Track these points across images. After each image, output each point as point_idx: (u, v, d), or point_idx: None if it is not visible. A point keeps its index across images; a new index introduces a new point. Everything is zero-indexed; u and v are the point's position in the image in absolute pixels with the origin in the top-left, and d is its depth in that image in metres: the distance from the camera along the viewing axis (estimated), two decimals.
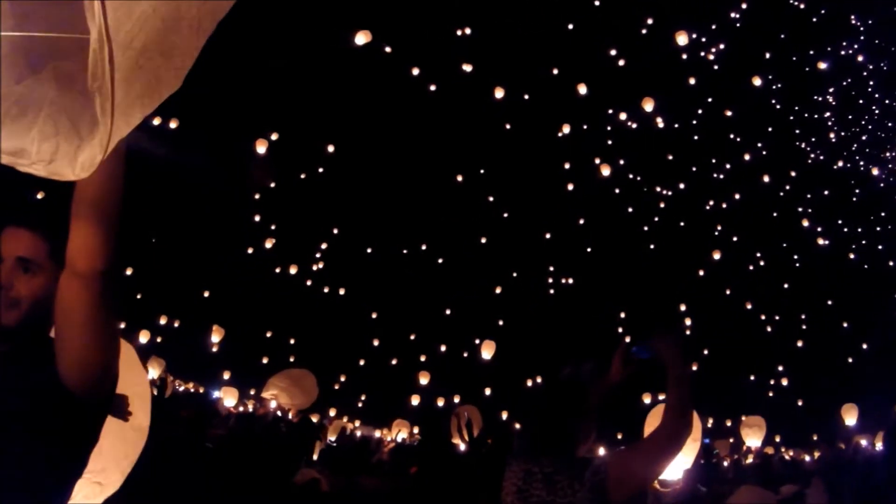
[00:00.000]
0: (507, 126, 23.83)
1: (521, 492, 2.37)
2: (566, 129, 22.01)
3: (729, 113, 26.29)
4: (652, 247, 27.09)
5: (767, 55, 25.61)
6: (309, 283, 27.70)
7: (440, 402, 25.03)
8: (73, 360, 1.48)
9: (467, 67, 20.61)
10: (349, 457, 14.27)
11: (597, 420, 2.58)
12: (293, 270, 26.57)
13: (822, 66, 26.83)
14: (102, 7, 0.91)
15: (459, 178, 25.35)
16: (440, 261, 27.92)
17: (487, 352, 20.13)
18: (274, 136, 20.60)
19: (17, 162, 1.06)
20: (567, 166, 24.70)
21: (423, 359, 27.00)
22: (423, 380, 23.59)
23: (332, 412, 24.20)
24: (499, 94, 19.05)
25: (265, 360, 26.78)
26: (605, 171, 21.00)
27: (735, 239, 27.42)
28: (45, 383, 1.47)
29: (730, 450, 18.34)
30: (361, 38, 16.39)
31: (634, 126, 23.06)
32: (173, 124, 18.85)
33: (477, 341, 23.24)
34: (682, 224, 27.88)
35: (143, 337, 22.19)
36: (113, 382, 1.59)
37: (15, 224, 1.61)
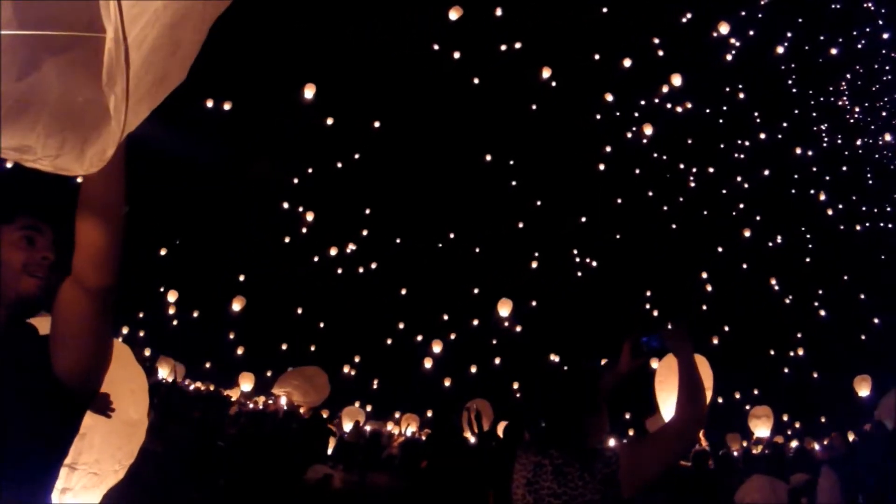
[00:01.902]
0: (534, 106, 24.09)
1: (531, 484, 2.35)
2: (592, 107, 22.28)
3: (742, 96, 26.69)
4: (674, 227, 27.43)
5: (786, 43, 25.92)
6: (337, 268, 27.94)
7: (453, 382, 25.31)
8: (73, 361, 1.56)
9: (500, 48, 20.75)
10: (361, 452, 14.33)
11: (607, 411, 2.56)
12: (316, 258, 26.83)
13: (837, 52, 27.31)
14: (119, 7, 0.91)
15: (488, 158, 25.52)
16: (477, 250, 28.19)
17: (505, 309, 20.05)
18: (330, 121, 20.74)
19: (23, 158, 1.06)
20: (592, 147, 25.07)
21: (452, 337, 27.40)
22: (437, 348, 23.77)
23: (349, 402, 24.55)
24: (530, 77, 19.15)
25: (284, 347, 27.12)
26: (648, 130, 21.01)
27: (757, 218, 27.88)
28: (42, 372, 1.55)
29: (740, 438, 18.40)
30: (454, 14, 16.43)
31: (659, 110, 23.22)
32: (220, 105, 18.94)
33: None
34: (704, 203, 28.24)
35: (173, 295, 22.34)
36: (101, 379, 1.69)
37: (31, 215, 1.71)
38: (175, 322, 25.98)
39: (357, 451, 14.30)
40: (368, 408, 28.71)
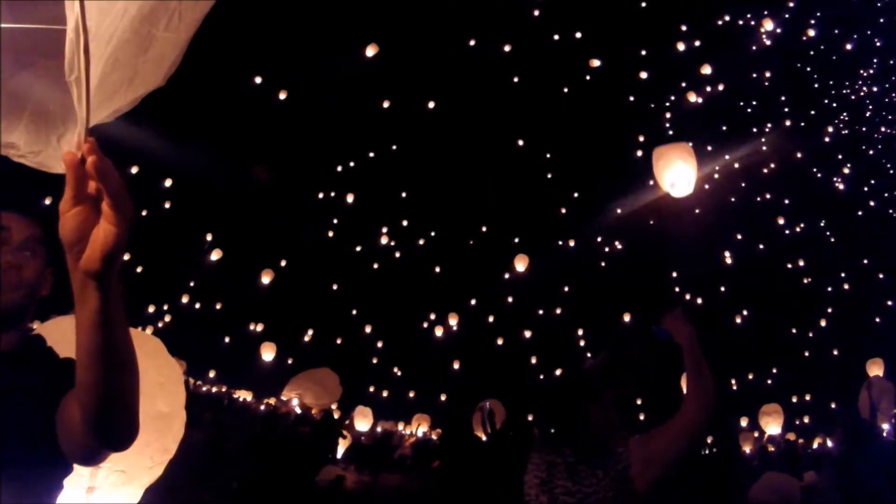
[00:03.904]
0: (566, 90, 24.25)
1: (545, 483, 2.31)
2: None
3: (767, 84, 26.90)
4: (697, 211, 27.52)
5: (812, 32, 26.00)
6: (369, 256, 28.06)
7: (471, 376, 25.38)
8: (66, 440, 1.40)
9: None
10: (372, 453, 14.32)
11: (619, 407, 2.51)
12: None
13: (852, 47, 27.51)
14: (80, 1, 0.91)
15: (521, 143, 25.60)
16: (516, 240, 28.22)
17: (521, 264, 19.99)
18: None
19: (10, 154, 1.09)
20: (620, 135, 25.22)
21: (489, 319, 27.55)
22: (452, 321, 23.82)
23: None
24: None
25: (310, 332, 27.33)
26: (692, 97, 21.11)
27: (787, 202, 28.16)
28: (41, 387, 1.42)
29: (753, 437, 18.32)
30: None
31: (686, 100, 23.34)
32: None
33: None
34: (729, 188, 28.36)
35: (217, 254, 22.52)
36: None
37: (6, 209, 1.57)
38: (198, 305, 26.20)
39: (368, 453, 14.30)
40: (385, 393, 28.77)
